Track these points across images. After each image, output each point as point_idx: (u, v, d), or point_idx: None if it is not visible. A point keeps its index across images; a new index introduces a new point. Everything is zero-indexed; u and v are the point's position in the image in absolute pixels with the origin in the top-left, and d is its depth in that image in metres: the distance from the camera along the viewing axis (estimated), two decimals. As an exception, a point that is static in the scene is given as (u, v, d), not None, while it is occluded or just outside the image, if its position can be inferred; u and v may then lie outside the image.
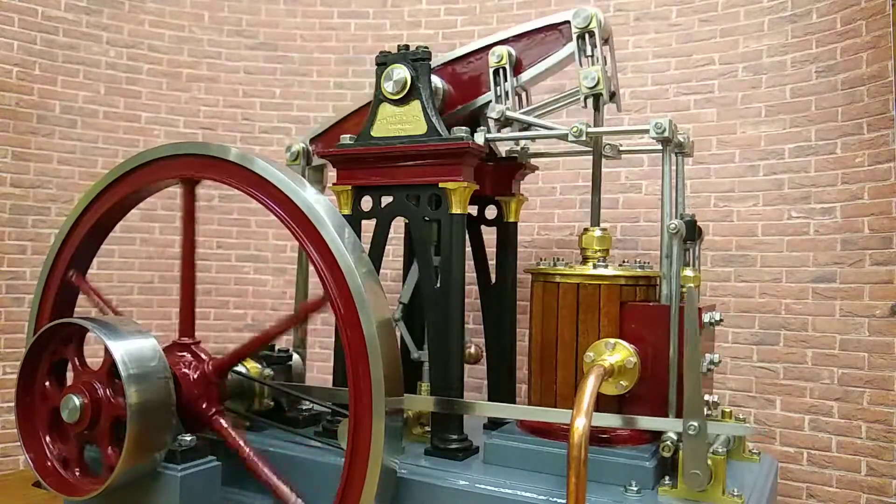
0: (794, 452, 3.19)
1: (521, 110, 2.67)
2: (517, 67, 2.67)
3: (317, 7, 4.30)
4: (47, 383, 2.39)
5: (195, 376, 2.39)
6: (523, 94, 2.76)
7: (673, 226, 2.27)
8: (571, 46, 2.54)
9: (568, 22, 2.55)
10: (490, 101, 2.68)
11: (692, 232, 2.39)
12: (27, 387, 2.39)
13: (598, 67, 2.47)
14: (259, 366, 2.75)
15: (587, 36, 2.50)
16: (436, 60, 2.75)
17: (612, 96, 2.61)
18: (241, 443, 2.32)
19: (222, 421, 2.39)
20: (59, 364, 2.43)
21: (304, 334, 3.14)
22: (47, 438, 2.36)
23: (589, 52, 2.51)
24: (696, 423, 2.06)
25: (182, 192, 2.58)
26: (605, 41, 2.60)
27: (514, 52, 2.67)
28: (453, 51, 2.84)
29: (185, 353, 2.45)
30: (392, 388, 2.10)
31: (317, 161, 3.10)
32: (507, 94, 2.63)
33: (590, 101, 2.53)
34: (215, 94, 4.27)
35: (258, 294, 4.28)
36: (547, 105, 2.71)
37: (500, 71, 2.65)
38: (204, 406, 2.38)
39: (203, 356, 2.46)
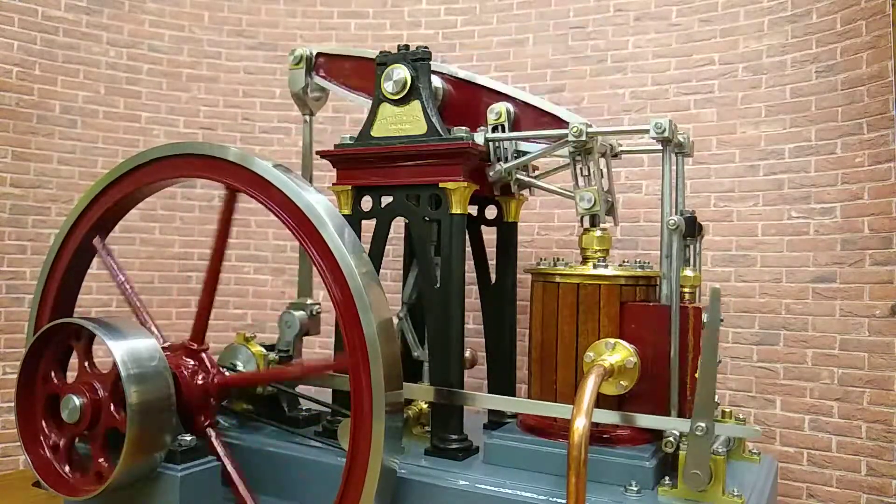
0: (794, 452, 3.19)
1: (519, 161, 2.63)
2: (515, 127, 2.63)
3: (317, 7, 4.30)
4: (52, 373, 2.40)
5: (198, 383, 2.40)
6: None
7: (672, 222, 2.27)
8: (566, 151, 2.49)
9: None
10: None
11: (692, 228, 2.39)
12: (27, 387, 2.39)
13: (594, 188, 2.43)
14: (263, 349, 2.76)
15: (584, 153, 2.45)
16: (447, 68, 2.75)
17: (610, 210, 2.59)
18: (226, 458, 2.34)
19: (213, 434, 2.39)
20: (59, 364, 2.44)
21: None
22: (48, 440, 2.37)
23: (585, 172, 2.46)
24: (704, 425, 2.04)
25: (224, 198, 2.53)
26: (604, 154, 2.58)
27: (513, 111, 2.62)
28: (465, 70, 2.78)
29: (191, 358, 2.46)
30: (392, 388, 2.10)
31: (317, 79, 3.02)
32: (504, 150, 2.60)
33: (586, 218, 2.51)
34: (215, 94, 4.27)
35: (258, 294, 4.28)
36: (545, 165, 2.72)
37: (499, 127, 2.60)
38: (200, 416, 2.39)
39: (209, 366, 2.47)
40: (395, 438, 2.15)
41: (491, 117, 2.62)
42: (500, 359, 2.92)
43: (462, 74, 2.76)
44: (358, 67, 2.93)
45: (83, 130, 3.97)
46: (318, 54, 3.05)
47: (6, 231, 3.74)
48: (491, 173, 2.62)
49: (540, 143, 2.60)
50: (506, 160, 2.61)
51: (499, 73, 3.92)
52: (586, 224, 2.51)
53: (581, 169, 2.47)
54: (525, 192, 3.01)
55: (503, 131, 2.60)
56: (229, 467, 2.32)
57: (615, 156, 2.76)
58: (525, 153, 2.62)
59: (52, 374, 2.40)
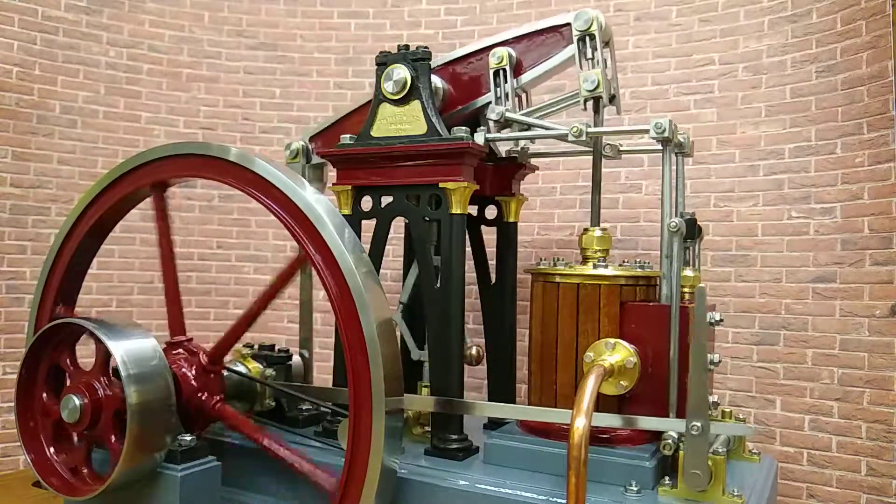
0: (794, 452, 3.19)
1: (521, 111, 2.67)
2: (517, 69, 2.66)
3: (317, 7, 4.30)
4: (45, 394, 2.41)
5: (193, 371, 2.41)
6: (523, 96, 2.75)
7: (673, 224, 2.27)
8: (572, 49, 2.53)
9: (569, 24, 2.53)
10: (490, 102, 2.66)
11: (692, 230, 2.39)
12: (27, 386, 2.39)
13: (598, 70, 2.46)
14: (260, 366, 2.76)
15: (588, 39, 2.49)
16: (436, 60, 2.75)
17: (612, 99, 2.60)
18: (252, 427, 2.35)
19: (227, 408, 2.40)
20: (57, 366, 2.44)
21: (308, 333, 3.12)
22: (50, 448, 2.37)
23: (589, 55, 2.50)
24: (699, 424, 2.05)
25: (153, 196, 2.61)
26: (606, 44, 2.60)
27: (514, 54, 2.65)
28: (454, 51, 2.83)
29: (179, 351, 2.47)
30: (392, 388, 2.10)
31: (316, 159, 3.10)
32: (506, 95, 2.63)
33: (590, 104, 2.52)
34: (215, 94, 4.27)
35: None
36: (547, 106, 2.70)
37: (501, 72, 2.63)
38: (205, 398, 2.40)
39: (196, 350, 2.48)
40: (395, 438, 2.15)
41: (493, 61, 2.63)
42: (500, 359, 2.92)
43: (454, 54, 2.78)
44: (349, 125, 2.93)
45: (83, 130, 3.97)
46: (311, 138, 3.11)
47: (6, 231, 3.74)
48: (493, 116, 2.61)
49: (542, 63, 2.61)
50: (506, 98, 2.61)
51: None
52: (590, 109, 2.49)
53: (585, 52, 2.48)
54: (525, 193, 3.02)
55: (505, 76, 2.62)
56: (249, 430, 2.34)
57: (616, 156, 2.77)
58: (530, 119, 2.63)
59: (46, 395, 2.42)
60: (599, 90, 2.44)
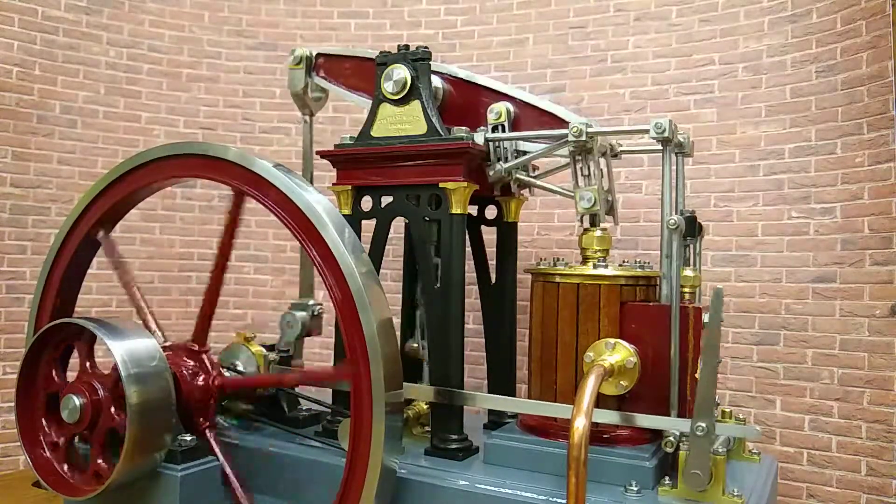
0: (794, 452, 3.19)
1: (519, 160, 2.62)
2: (515, 126, 2.62)
3: (317, 7, 4.30)
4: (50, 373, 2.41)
5: (198, 384, 2.41)
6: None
7: (672, 221, 2.26)
8: (566, 150, 2.46)
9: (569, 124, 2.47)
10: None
11: (692, 228, 2.39)
12: (27, 386, 2.39)
13: (594, 188, 2.42)
14: (263, 350, 2.76)
15: (584, 153, 2.44)
16: (447, 68, 2.75)
17: (610, 210, 2.57)
18: (224, 460, 2.36)
19: (211, 436, 2.40)
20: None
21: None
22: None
23: (585, 172, 2.44)
24: (704, 425, 2.04)
25: (231, 199, 2.53)
26: (604, 154, 2.55)
27: (513, 111, 2.62)
28: (465, 70, 2.78)
29: (191, 359, 2.46)
30: (392, 388, 2.10)
31: (316, 78, 3.05)
32: (504, 149, 2.60)
33: (586, 219, 2.49)
34: (215, 94, 4.27)
35: (258, 294, 4.28)
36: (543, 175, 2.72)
37: (499, 127, 2.60)
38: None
39: (210, 368, 2.47)
40: (395, 438, 2.15)
41: (491, 117, 2.61)
42: (500, 359, 2.92)
43: (462, 74, 2.76)
44: (358, 67, 2.93)
45: (83, 130, 3.97)
46: (318, 55, 3.06)
47: (6, 231, 3.74)
48: (491, 173, 2.63)
49: (540, 142, 2.59)
50: (506, 160, 2.61)
51: (499, 73, 3.92)
52: (586, 223, 2.51)
53: (581, 168, 2.47)
54: (525, 192, 3.01)
55: (503, 131, 2.60)
56: (227, 469, 2.33)
57: (615, 156, 2.76)
58: (525, 153, 2.62)
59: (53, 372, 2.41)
60: (596, 208, 2.41)
